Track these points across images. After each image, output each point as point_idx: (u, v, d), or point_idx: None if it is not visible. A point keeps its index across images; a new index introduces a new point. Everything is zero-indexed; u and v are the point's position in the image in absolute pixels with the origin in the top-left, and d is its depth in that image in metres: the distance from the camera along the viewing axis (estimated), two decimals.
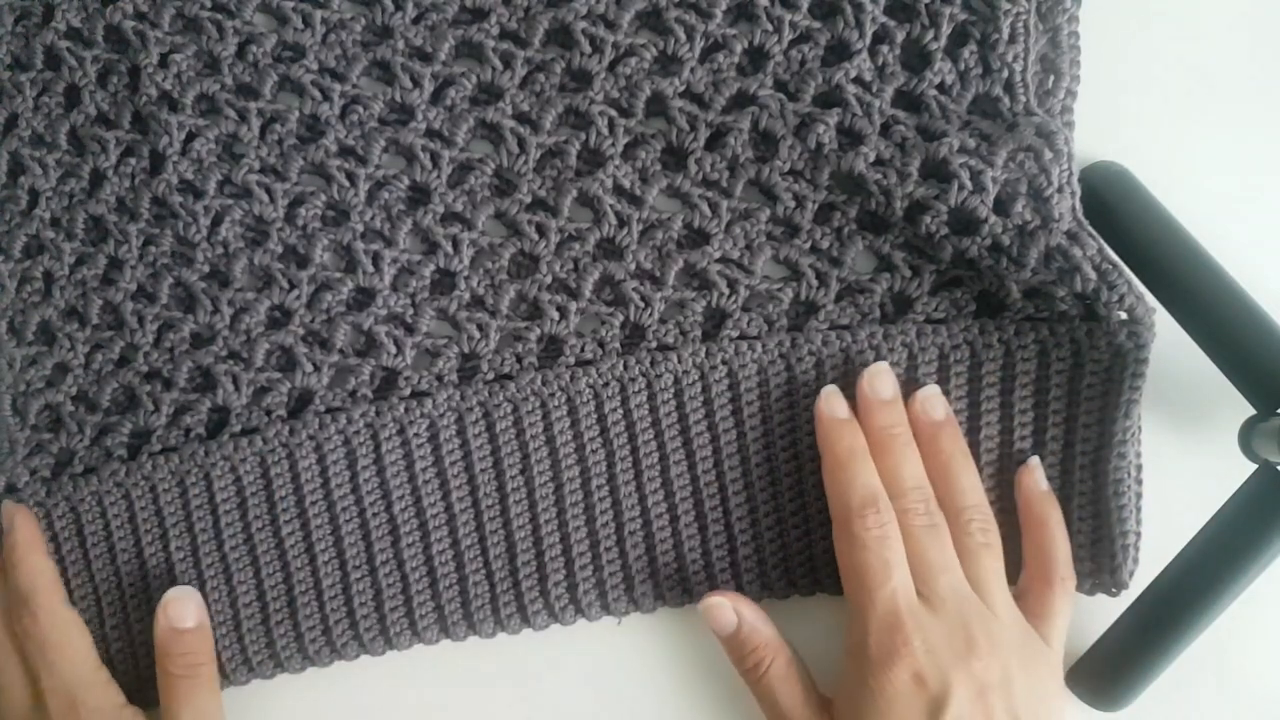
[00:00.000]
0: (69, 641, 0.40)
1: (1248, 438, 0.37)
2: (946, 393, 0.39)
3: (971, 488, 0.38)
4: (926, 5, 0.39)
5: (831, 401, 0.39)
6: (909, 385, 0.39)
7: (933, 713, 0.35)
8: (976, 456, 0.39)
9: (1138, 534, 0.38)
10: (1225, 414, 0.38)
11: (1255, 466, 0.37)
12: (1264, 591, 0.36)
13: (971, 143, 0.38)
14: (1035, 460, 0.39)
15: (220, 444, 0.41)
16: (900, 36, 0.40)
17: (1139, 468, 0.38)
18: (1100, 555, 0.38)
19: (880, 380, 0.39)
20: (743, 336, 0.40)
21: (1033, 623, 0.37)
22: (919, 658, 0.35)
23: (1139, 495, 0.38)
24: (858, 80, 0.40)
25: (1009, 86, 0.39)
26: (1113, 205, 0.38)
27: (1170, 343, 0.38)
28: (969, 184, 0.37)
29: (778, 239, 0.40)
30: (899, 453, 0.38)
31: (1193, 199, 0.39)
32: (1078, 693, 0.39)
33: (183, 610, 0.40)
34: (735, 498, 0.40)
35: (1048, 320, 0.38)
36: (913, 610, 0.36)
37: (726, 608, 0.38)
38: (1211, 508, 0.37)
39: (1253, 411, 0.37)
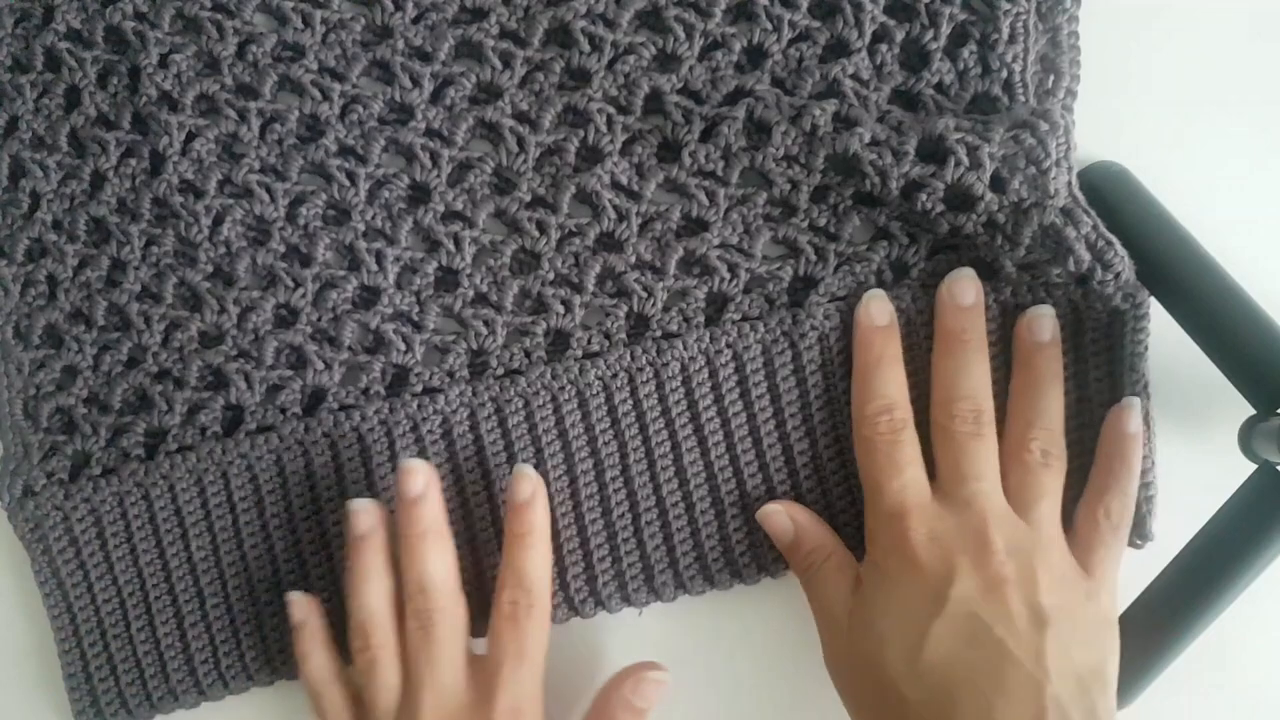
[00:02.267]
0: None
1: (1248, 438, 0.37)
2: None
3: (1050, 412, 0.37)
4: (926, 5, 0.39)
5: (870, 307, 0.39)
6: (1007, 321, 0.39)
7: (936, 599, 0.35)
8: None
9: (1156, 486, 0.38)
10: (1225, 414, 0.38)
11: (1255, 466, 0.37)
12: (1264, 591, 0.36)
13: (967, 123, 0.38)
14: (1133, 401, 0.37)
15: (237, 441, 0.41)
16: (900, 36, 0.40)
17: (1152, 421, 0.38)
18: None
19: (959, 285, 0.38)
20: (745, 318, 0.40)
21: (1075, 554, 0.36)
22: (921, 544, 0.35)
23: (1154, 449, 0.38)
24: (855, 78, 0.40)
25: (1008, 86, 0.39)
26: (1113, 205, 0.38)
27: (1170, 343, 0.38)
28: (966, 160, 0.37)
29: (776, 220, 0.40)
30: (961, 358, 0.37)
31: (1193, 199, 0.39)
32: None
33: (413, 480, 0.38)
34: (751, 479, 0.40)
35: (1044, 284, 0.38)
36: (921, 505, 0.36)
37: (781, 514, 0.39)
38: (1211, 508, 0.37)
39: (1253, 411, 0.37)
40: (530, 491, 0.39)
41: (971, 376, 0.37)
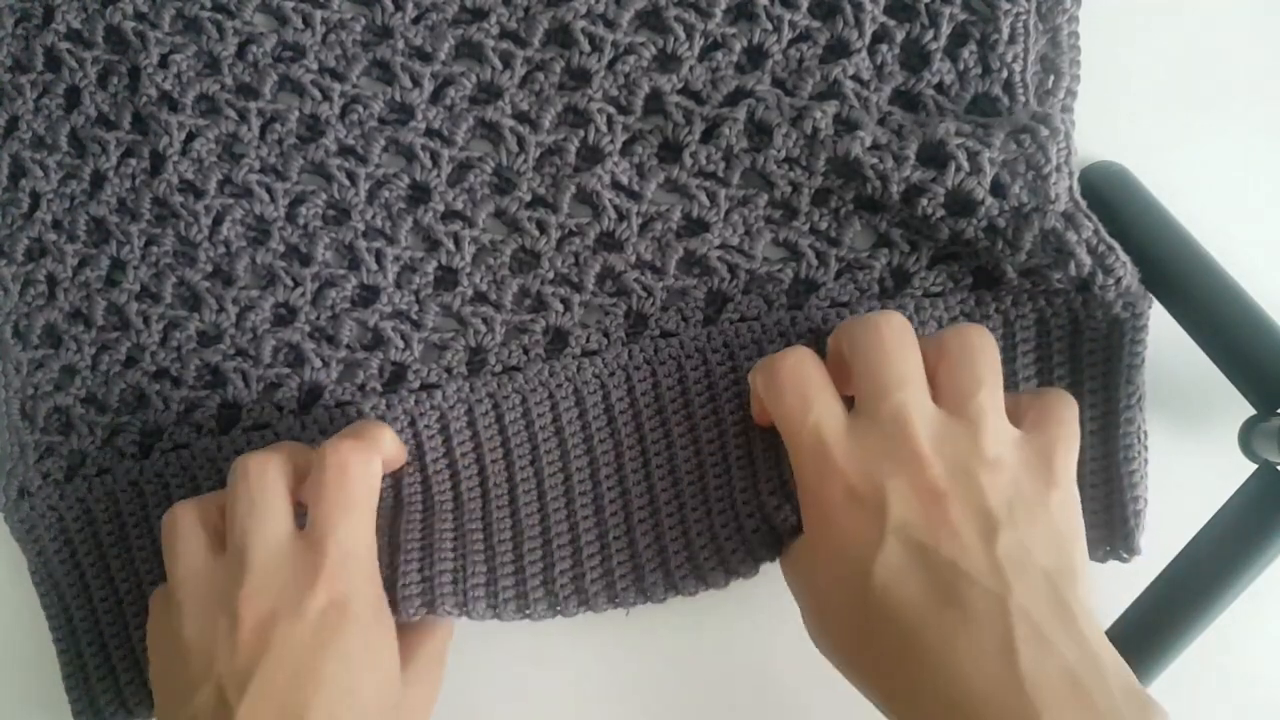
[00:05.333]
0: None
1: (1248, 438, 0.37)
2: None
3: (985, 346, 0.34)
4: (926, 5, 0.39)
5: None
6: None
7: (876, 523, 0.32)
8: None
9: (1146, 500, 0.38)
10: (1225, 414, 0.38)
11: (1255, 466, 0.37)
12: (1264, 591, 0.36)
13: (968, 127, 0.38)
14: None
15: (232, 439, 0.41)
16: (900, 36, 0.40)
17: (1145, 434, 0.38)
18: (1112, 521, 0.38)
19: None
20: (743, 318, 0.40)
21: (1031, 434, 0.33)
22: (848, 472, 0.32)
23: (1146, 461, 0.38)
24: (855, 78, 0.40)
25: (1008, 87, 0.39)
26: (1113, 206, 0.38)
27: (1170, 343, 0.38)
28: (966, 165, 0.37)
29: (776, 222, 0.40)
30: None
31: (1192, 199, 0.39)
32: None
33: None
34: (741, 481, 0.40)
35: (1044, 292, 0.38)
36: (838, 432, 0.33)
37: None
38: (1211, 508, 0.37)
39: (1253, 411, 0.37)
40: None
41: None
